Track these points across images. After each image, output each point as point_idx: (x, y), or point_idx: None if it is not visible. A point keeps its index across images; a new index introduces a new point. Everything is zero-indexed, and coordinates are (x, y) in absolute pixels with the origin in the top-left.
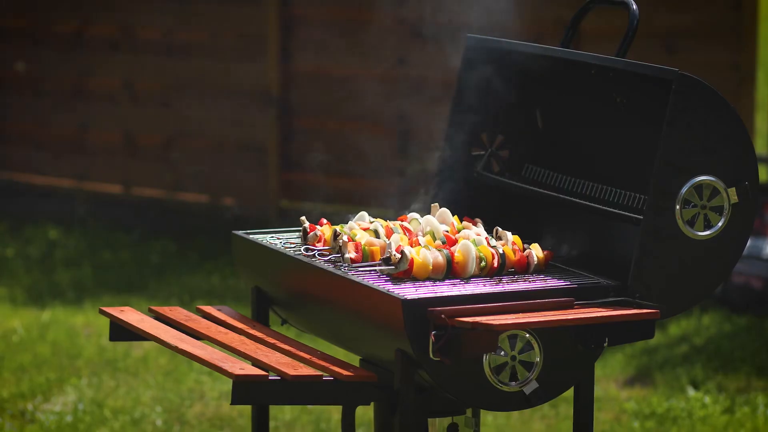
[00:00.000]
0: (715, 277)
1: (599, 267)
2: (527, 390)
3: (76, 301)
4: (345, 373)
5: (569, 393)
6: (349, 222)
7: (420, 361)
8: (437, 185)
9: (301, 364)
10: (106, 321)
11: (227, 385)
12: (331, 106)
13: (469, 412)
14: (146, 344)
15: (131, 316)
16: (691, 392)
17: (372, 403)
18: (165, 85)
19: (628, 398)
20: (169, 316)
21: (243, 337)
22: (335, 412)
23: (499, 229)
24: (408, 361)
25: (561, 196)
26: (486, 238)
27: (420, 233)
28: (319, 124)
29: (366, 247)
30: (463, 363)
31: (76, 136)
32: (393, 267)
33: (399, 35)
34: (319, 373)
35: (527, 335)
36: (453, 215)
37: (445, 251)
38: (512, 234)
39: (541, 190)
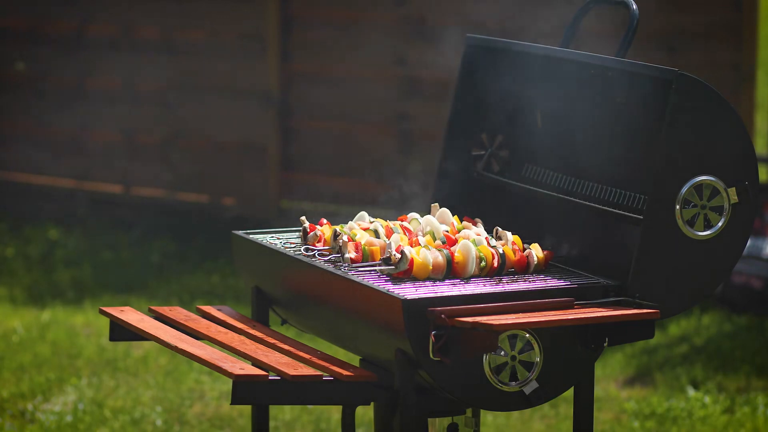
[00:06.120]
0: (715, 277)
1: (599, 267)
2: (527, 390)
3: (76, 301)
4: (345, 373)
5: (569, 393)
6: (349, 222)
7: (420, 361)
8: (437, 185)
9: (301, 364)
10: (106, 321)
11: (227, 385)
12: (331, 106)
13: (469, 412)
14: (146, 344)
15: (131, 316)
16: (691, 392)
17: (372, 403)
18: (165, 85)
19: (628, 398)
20: (169, 316)
21: (243, 337)
22: (335, 412)
23: (499, 229)
24: (408, 361)
25: (561, 196)
26: (486, 238)
27: (420, 233)
28: (319, 124)
29: (366, 247)
30: (463, 363)
31: (76, 136)
32: (393, 267)
33: (399, 35)
34: (319, 373)
35: (527, 335)
36: (453, 215)
37: (445, 251)
38: (512, 234)
39: (541, 190)
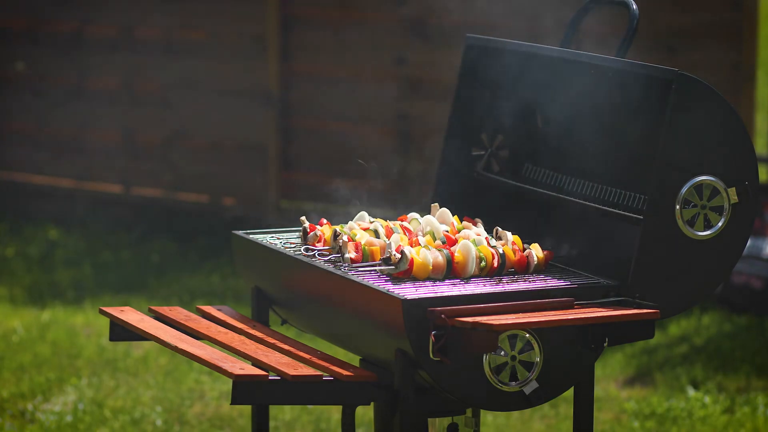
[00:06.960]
0: (715, 277)
1: (599, 267)
2: (527, 390)
3: (76, 301)
4: (345, 373)
5: (569, 393)
6: (349, 222)
7: (420, 361)
8: (437, 185)
9: (301, 364)
10: (106, 321)
11: (227, 385)
12: (331, 106)
13: (469, 412)
14: (146, 344)
15: (131, 316)
16: (691, 392)
17: (372, 403)
18: (165, 85)
19: (628, 398)
20: (169, 316)
21: (243, 337)
22: (335, 412)
23: (499, 229)
24: (408, 361)
25: (561, 196)
26: (486, 238)
27: (420, 233)
28: (319, 124)
29: (366, 247)
30: (463, 363)
31: (75, 136)
32: (393, 267)
33: (399, 35)
34: (319, 373)
35: (527, 335)
36: (453, 215)
37: (445, 251)
38: (512, 234)
39: (541, 190)
